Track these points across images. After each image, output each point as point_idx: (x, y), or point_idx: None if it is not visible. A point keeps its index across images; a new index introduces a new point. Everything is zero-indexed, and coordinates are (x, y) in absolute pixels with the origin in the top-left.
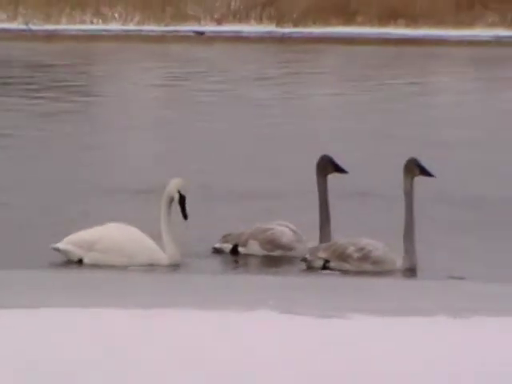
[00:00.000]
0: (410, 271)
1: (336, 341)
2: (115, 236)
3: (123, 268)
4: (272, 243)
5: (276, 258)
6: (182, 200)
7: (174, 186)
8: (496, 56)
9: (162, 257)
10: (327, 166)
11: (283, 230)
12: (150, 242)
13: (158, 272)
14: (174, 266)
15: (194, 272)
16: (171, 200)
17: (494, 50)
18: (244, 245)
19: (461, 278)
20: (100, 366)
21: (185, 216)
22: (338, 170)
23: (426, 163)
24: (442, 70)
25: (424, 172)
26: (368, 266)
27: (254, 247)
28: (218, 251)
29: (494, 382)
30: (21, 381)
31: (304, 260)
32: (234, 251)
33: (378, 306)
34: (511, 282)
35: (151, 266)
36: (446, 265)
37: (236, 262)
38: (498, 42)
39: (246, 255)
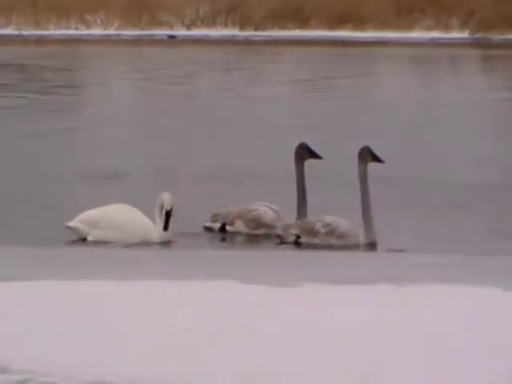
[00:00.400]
0: (371, 245)
1: (288, 306)
2: (115, 214)
3: (120, 244)
4: (256, 222)
5: (259, 235)
6: (168, 215)
7: (163, 199)
8: (431, 55)
9: (155, 235)
10: (304, 153)
11: (266, 210)
12: (146, 222)
13: (142, 248)
14: (165, 243)
15: (181, 248)
16: (161, 211)
17: (429, 50)
18: (231, 223)
19: (401, 251)
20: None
21: (166, 227)
22: (314, 156)
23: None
24: (384, 67)
25: (375, 159)
26: (334, 240)
27: (240, 226)
28: (208, 229)
29: (428, 341)
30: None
31: (278, 236)
32: (223, 229)
33: (326, 276)
34: (443, 252)
35: (146, 243)
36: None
37: (223, 239)
38: (434, 43)
39: (233, 233)
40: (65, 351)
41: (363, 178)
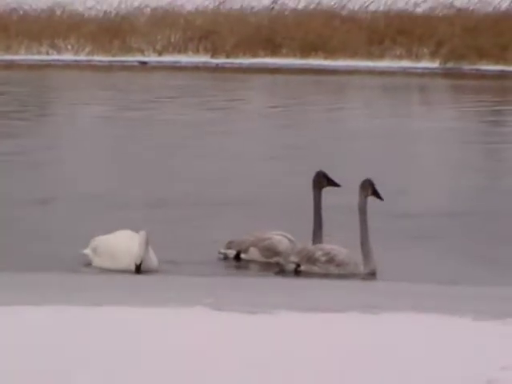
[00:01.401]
0: (371, 275)
1: (260, 334)
2: (110, 242)
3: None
4: (270, 250)
5: (274, 263)
6: (138, 268)
7: (135, 255)
8: (401, 84)
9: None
10: (322, 181)
11: (280, 239)
12: (135, 250)
13: (123, 275)
14: (153, 271)
15: (170, 275)
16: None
17: (400, 79)
18: (246, 251)
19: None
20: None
21: (137, 272)
22: (332, 183)
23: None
24: (355, 96)
25: (375, 193)
26: (333, 268)
27: (255, 254)
28: (224, 256)
29: (399, 369)
30: None
31: (277, 264)
32: (237, 257)
33: (300, 304)
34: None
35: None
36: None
37: (237, 267)
38: (404, 72)
39: (248, 261)
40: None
41: (362, 209)
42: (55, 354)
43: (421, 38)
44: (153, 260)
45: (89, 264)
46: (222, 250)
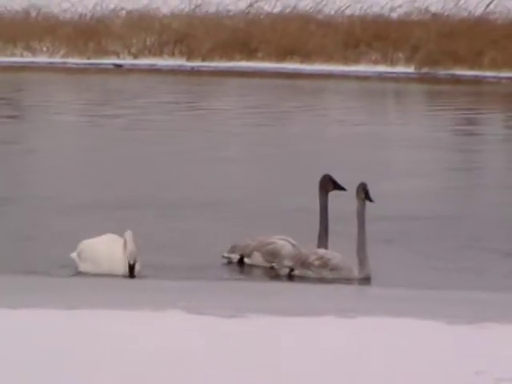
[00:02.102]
0: (366, 280)
1: (234, 337)
2: (92, 246)
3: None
4: (273, 255)
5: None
6: (131, 268)
7: (128, 252)
8: (376, 89)
9: (120, 268)
10: (328, 184)
11: (283, 244)
12: (116, 254)
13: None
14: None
15: (161, 279)
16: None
17: (376, 84)
18: (249, 256)
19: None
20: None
21: (131, 276)
22: (338, 187)
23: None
24: (330, 101)
25: (367, 197)
26: (327, 272)
27: (258, 258)
28: (228, 260)
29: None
30: None
31: (271, 268)
32: (241, 261)
33: (274, 307)
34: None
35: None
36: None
37: (240, 271)
38: (380, 77)
39: (251, 265)
40: None
41: (360, 213)
42: (28, 357)
43: (396, 43)
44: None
45: (75, 268)
46: (226, 254)
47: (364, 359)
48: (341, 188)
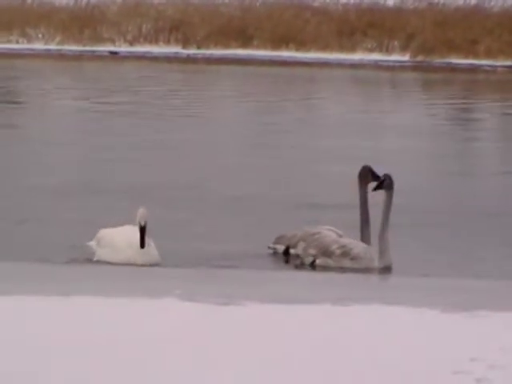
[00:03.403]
0: (386, 269)
1: (229, 324)
2: (113, 235)
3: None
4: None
5: None
6: (142, 230)
7: (139, 215)
8: (372, 77)
9: (139, 257)
10: (367, 176)
11: (329, 234)
12: (134, 244)
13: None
14: (153, 265)
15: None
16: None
17: (371, 72)
18: (295, 246)
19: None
20: None
21: (142, 245)
22: (377, 179)
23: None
24: (325, 89)
25: (376, 179)
26: (347, 262)
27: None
28: (274, 251)
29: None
30: None
31: (297, 256)
32: (287, 252)
33: (269, 296)
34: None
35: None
36: None
37: (286, 261)
38: (375, 65)
39: (296, 256)
40: None
41: (387, 204)
42: (26, 345)
43: (391, 31)
44: (153, 254)
45: (91, 255)
46: (271, 245)
47: (357, 347)
48: (379, 179)
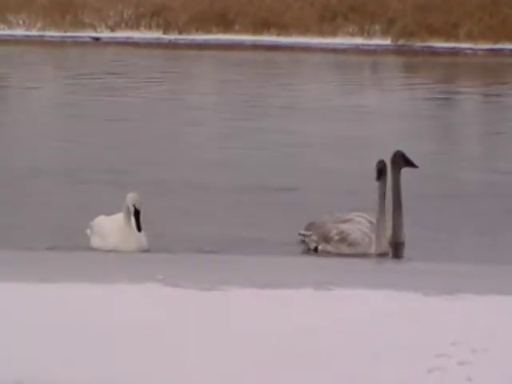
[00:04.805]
0: (383, 255)
1: (210, 309)
2: (103, 222)
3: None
4: None
5: None
6: (137, 213)
7: (129, 199)
8: (354, 61)
9: (129, 244)
10: (400, 161)
11: (361, 221)
12: (125, 231)
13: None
14: (144, 251)
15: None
16: (128, 211)
17: (353, 56)
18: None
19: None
20: None
21: (139, 229)
22: (410, 164)
23: None
24: (307, 74)
25: (409, 164)
26: (345, 247)
27: None
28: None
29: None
30: None
31: (303, 242)
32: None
33: (253, 280)
34: None
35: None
36: None
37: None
38: (357, 49)
39: (303, 242)
40: None
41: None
42: (5, 330)
43: (373, 15)
44: (142, 240)
45: (88, 243)
46: (302, 232)
47: (338, 331)
48: (412, 165)
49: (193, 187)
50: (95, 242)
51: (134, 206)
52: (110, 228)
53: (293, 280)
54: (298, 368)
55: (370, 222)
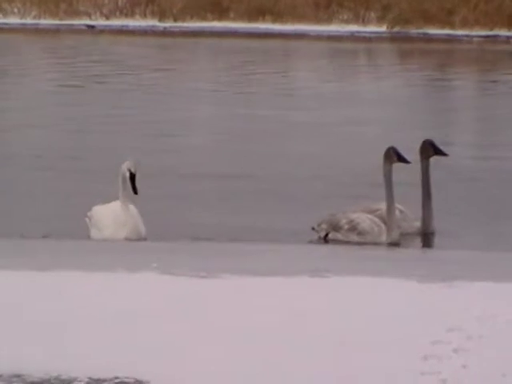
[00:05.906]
0: (394, 245)
1: (205, 297)
2: (100, 212)
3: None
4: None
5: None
6: (132, 177)
7: (124, 166)
8: (349, 49)
9: (125, 233)
10: (429, 150)
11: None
12: (120, 219)
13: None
14: (140, 240)
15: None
16: (124, 179)
17: (348, 44)
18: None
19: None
20: None
21: (135, 191)
22: (439, 153)
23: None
24: (302, 61)
25: (401, 159)
26: (354, 236)
27: None
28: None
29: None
30: None
31: (312, 229)
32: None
33: (248, 268)
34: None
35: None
36: None
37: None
38: (352, 36)
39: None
40: None
41: (388, 178)
42: (5, 320)
43: (368, 2)
44: (139, 229)
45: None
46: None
47: (334, 318)
48: (442, 153)
49: (188, 175)
50: (93, 231)
51: (129, 170)
52: (107, 217)
53: (290, 267)
54: (294, 354)
55: (400, 211)
